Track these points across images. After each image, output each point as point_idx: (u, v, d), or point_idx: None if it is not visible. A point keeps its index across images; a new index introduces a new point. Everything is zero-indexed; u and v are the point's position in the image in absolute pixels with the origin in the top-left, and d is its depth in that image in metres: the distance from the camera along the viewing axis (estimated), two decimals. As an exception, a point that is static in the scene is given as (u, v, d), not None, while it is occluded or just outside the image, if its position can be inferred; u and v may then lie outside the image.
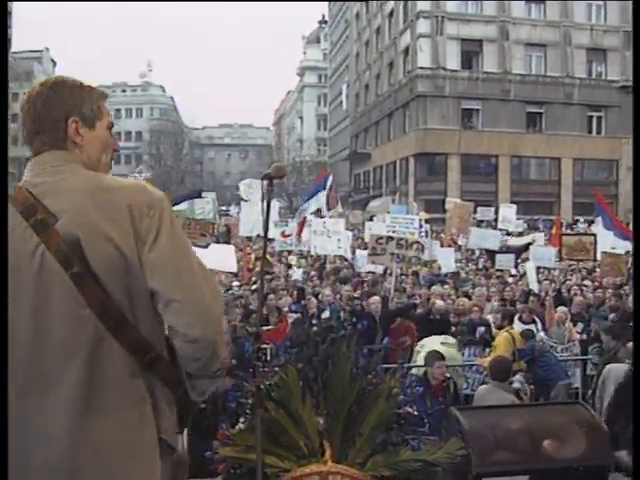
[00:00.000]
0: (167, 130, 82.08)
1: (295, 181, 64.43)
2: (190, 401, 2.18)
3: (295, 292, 13.35)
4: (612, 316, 11.41)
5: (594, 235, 16.25)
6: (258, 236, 20.92)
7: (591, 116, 42.47)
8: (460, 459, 3.63)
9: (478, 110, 41.88)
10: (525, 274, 15.37)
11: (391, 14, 47.33)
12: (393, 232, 16.18)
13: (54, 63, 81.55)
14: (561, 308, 11.27)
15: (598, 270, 16.07)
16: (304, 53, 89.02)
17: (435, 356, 7.73)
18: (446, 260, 16.71)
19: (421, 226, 18.31)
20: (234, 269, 15.16)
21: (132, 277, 2.01)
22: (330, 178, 20.57)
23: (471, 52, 41.89)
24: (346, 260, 18.40)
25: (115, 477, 2.01)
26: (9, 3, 47.51)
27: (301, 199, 32.44)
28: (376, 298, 10.87)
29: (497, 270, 16.79)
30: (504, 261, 16.53)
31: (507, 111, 41.01)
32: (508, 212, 26.40)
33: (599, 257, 15.24)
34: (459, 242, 22.68)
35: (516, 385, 8.88)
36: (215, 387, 2.30)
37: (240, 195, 24.40)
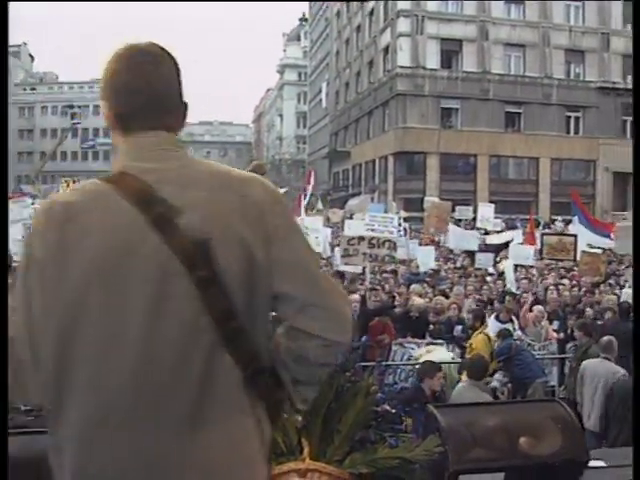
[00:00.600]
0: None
1: (274, 179, 64.38)
2: (280, 413, 2.02)
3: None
4: (589, 312, 11.57)
5: (575, 235, 16.39)
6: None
7: (569, 116, 42.80)
8: (438, 456, 3.65)
9: (457, 109, 42.07)
10: (503, 273, 15.47)
11: (371, 13, 47.40)
12: (372, 231, 16.22)
13: (32, 58, 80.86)
14: (537, 307, 11.38)
15: (576, 269, 16.21)
16: (284, 51, 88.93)
17: (436, 368, 7.74)
18: (425, 259, 16.77)
19: (400, 224, 18.38)
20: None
21: (256, 281, 1.79)
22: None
23: (451, 51, 42.05)
24: (323, 258, 18.40)
25: None
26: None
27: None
28: (355, 296, 10.91)
29: (476, 269, 16.86)
30: (483, 260, 16.63)
31: (486, 111, 41.23)
32: (486, 211, 26.53)
33: (579, 257, 15.39)
34: (437, 240, 22.74)
35: (494, 384, 8.98)
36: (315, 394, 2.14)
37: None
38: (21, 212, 17.35)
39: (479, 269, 16.68)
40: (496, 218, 27.40)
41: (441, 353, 9.34)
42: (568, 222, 26.27)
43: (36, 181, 55.70)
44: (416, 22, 40.93)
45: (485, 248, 18.59)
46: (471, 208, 29.91)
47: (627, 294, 12.17)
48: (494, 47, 41.88)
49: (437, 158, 41.32)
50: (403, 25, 41.22)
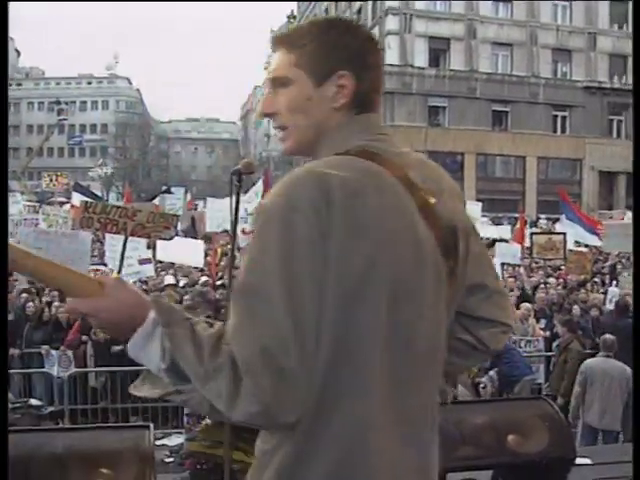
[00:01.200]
0: (133, 123, 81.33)
1: (261, 176, 64.21)
2: None
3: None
4: (576, 310, 11.63)
5: (564, 234, 16.46)
6: (224, 231, 20.87)
7: (556, 115, 42.95)
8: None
9: (445, 108, 42.13)
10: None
11: (359, 11, 47.39)
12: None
13: (18, 53, 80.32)
14: (524, 304, 11.42)
15: (563, 267, 16.29)
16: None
17: None
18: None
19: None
20: (201, 264, 15.14)
21: (463, 272, 1.71)
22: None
23: (438, 50, 42.10)
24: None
25: None
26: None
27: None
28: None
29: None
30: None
31: (473, 109, 41.31)
32: (473, 209, 26.55)
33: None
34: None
35: (484, 381, 9.04)
36: None
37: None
38: (11, 207, 17.29)
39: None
40: (483, 216, 27.49)
41: None
42: (555, 220, 26.42)
43: (22, 177, 55.39)
44: (404, 20, 40.96)
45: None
46: (458, 206, 29.86)
47: (613, 292, 12.23)
48: (482, 46, 41.95)
49: (424, 156, 41.18)
50: (391, 23, 41.24)
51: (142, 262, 12.05)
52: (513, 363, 9.40)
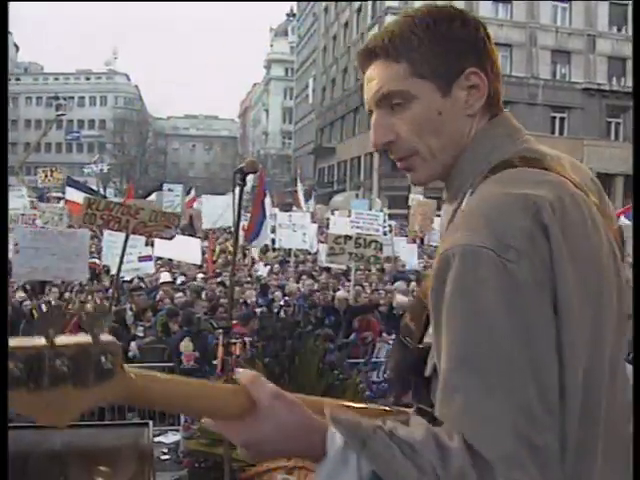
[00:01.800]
0: (131, 119, 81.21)
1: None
2: None
3: (259, 286, 13.39)
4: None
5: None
6: (222, 229, 20.90)
7: (554, 117, 42.98)
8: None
9: (444, 108, 42.15)
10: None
11: (359, 9, 47.38)
12: (357, 228, 16.24)
13: (17, 48, 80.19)
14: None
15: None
16: (271, 45, 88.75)
17: None
18: (408, 256, 16.80)
19: (385, 221, 18.41)
20: (198, 261, 15.15)
21: None
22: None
23: (438, 50, 42.12)
24: (309, 253, 18.45)
25: None
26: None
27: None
28: (344, 294, 10.97)
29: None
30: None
31: (472, 110, 41.33)
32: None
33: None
34: (422, 237, 22.77)
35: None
36: None
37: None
38: (15, 201, 17.22)
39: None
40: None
41: None
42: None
43: (20, 172, 55.25)
44: (404, 20, 40.95)
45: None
46: (456, 206, 29.82)
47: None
48: (481, 46, 41.97)
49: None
50: (391, 22, 41.24)
51: (142, 259, 12.07)
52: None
